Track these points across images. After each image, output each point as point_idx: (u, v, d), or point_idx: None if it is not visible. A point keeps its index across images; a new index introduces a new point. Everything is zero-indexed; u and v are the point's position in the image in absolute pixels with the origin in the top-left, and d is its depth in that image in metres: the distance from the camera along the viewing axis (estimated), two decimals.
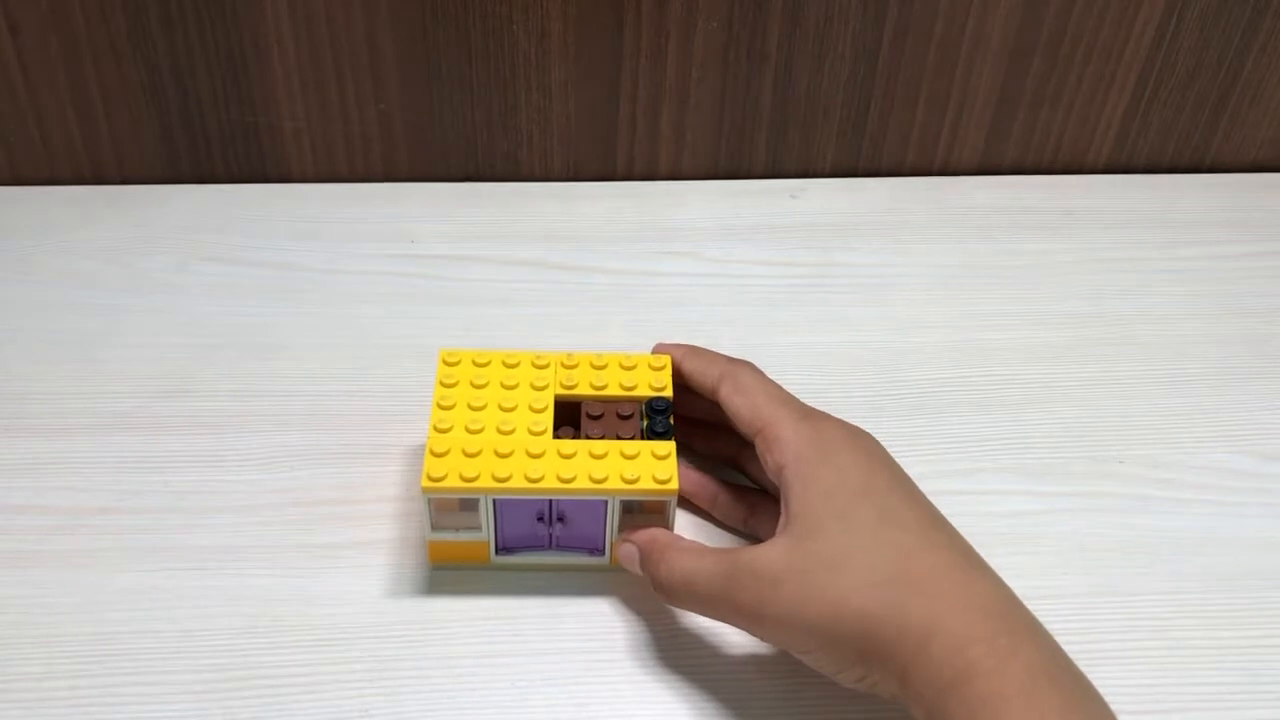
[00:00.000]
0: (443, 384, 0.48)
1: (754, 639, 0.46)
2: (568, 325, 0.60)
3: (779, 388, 0.47)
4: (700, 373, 0.49)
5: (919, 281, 0.63)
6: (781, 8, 0.62)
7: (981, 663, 0.37)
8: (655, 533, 0.45)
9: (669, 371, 0.49)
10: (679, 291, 0.62)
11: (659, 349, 0.51)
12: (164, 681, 0.44)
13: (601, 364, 0.49)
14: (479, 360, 0.48)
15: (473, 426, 0.46)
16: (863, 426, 0.45)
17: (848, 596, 0.39)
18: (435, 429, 0.46)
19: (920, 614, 0.38)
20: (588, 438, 0.47)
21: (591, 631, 0.46)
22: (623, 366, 0.49)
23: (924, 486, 0.44)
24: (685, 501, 0.50)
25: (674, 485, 0.45)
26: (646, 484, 0.45)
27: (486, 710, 0.44)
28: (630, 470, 0.45)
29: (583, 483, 0.45)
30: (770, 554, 0.41)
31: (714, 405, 0.48)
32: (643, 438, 0.47)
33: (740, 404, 0.46)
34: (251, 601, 0.47)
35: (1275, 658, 0.47)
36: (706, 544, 0.45)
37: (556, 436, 0.47)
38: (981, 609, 0.39)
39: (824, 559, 0.40)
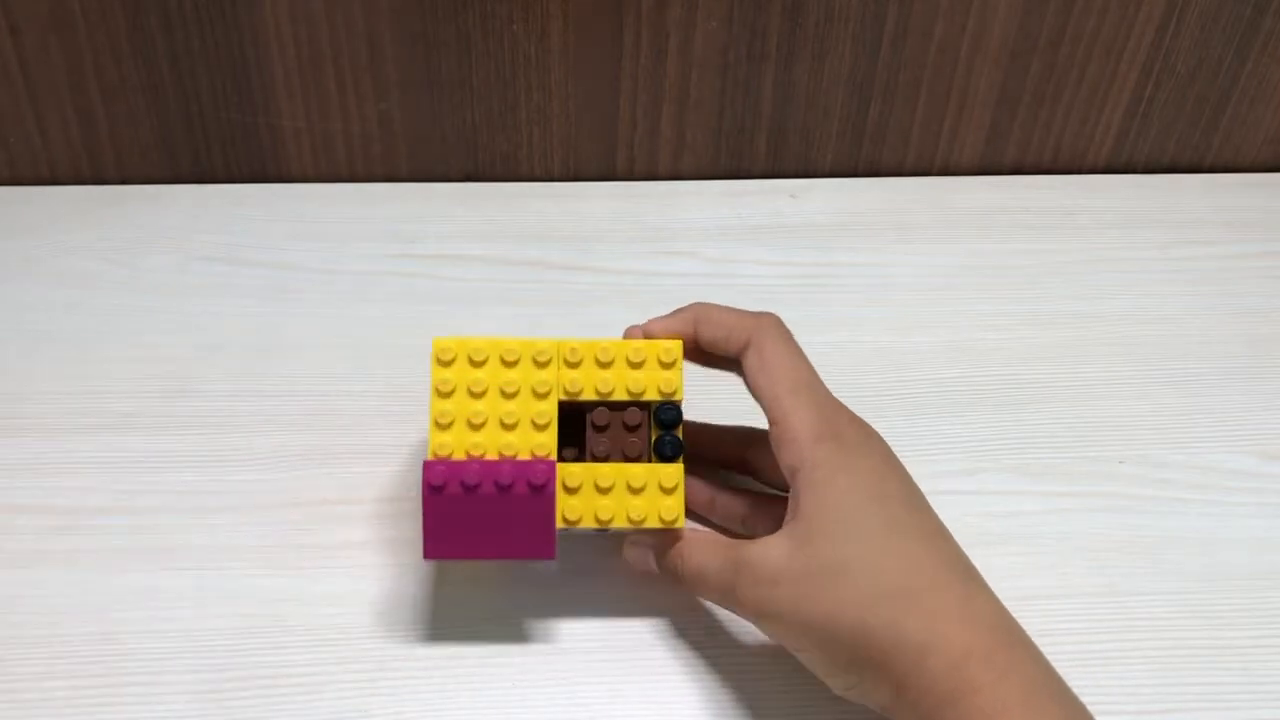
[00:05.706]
0: (439, 392, 0.45)
1: (758, 639, 0.46)
2: (568, 325, 0.59)
3: (802, 364, 0.45)
4: (724, 341, 0.46)
5: (919, 281, 0.63)
6: (781, 8, 0.62)
7: (980, 677, 0.37)
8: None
9: (679, 370, 0.46)
10: (679, 291, 0.61)
11: (653, 327, 0.47)
12: (164, 681, 0.44)
13: (608, 359, 0.46)
14: (475, 358, 0.45)
15: (474, 450, 0.44)
16: None
17: (844, 608, 0.39)
18: (435, 437, 0.45)
19: (918, 629, 0.38)
20: (593, 455, 0.45)
21: (592, 632, 0.47)
22: (630, 363, 0.46)
23: (924, 487, 0.44)
24: None
25: (680, 523, 0.45)
26: (653, 522, 0.44)
27: (487, 710, 0.44)
28: (636, 508, 0.44)
29: (589, 523, 0.44)
30: (771, 553, 0.41)
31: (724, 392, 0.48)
32: (650, 451, 0.46)
33: (762, 386, 0.44)
34: (251, 601, 0.47)
35: (1275, 658, 0.47)
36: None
37: (561, 456, 0.45)
38: (980, 623, 0.39)
39: (825, 564, 0.40)
